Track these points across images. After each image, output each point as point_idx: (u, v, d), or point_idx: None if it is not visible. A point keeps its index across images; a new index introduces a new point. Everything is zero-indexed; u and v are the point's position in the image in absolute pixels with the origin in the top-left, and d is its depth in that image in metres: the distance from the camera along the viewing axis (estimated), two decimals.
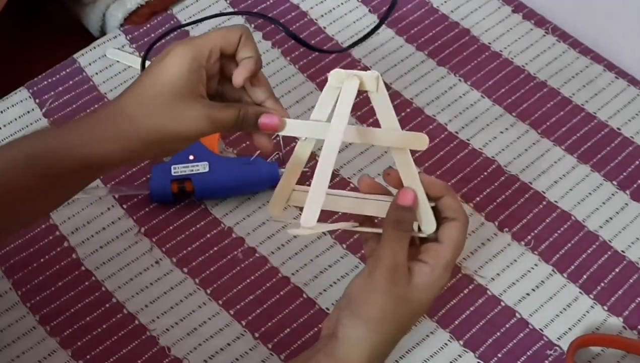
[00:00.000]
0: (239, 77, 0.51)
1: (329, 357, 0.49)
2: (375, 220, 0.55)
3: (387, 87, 0.75)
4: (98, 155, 0.49)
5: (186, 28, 0.79)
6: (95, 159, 0.49)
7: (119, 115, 0.49)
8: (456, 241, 0.50)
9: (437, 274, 0.49)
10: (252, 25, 0.80)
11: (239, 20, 0.80)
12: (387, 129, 0.52)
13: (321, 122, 0.52)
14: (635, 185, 0.69)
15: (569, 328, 0.62)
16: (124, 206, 0.68)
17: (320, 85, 0.64)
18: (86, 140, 0.49)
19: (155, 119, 0.49)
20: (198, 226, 0.67)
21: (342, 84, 0.52)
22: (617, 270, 0.64)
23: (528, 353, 0.60)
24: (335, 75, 0.52)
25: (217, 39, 0.51)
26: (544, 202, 0.68)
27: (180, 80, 0.49)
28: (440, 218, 0.52)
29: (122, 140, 0.49)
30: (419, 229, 0.52)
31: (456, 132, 0.73)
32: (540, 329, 0.61)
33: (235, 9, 0.81)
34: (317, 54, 0.77)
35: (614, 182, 0.69)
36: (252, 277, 0.64)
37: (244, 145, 0.71)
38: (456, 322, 0.62)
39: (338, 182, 0.69)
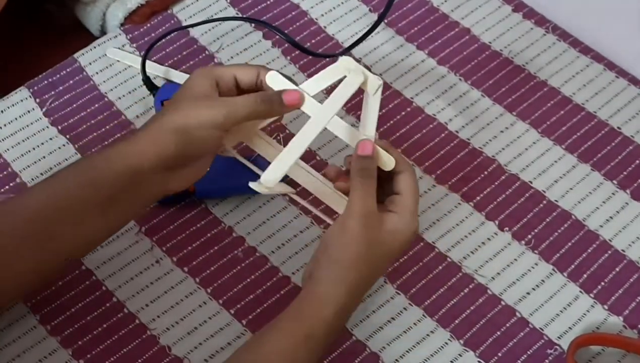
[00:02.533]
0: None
1: (308, 295, 0.53)
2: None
3: (387, 86, 0.75)
4: (134, 157, 0.53)
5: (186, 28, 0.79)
6: (132, 161, 0.53)
7: (148, 121, 0.55)
8: (412, 189, 0.55)
9: (406, 220, 0.54)
10: (252, 25, 0.80)
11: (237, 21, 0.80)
12: (363, 134, 0.55)
13: (314, 100, 0.55)
14: (635, 185, 0.69)
15: (569, 328, 0.62)
16: None
17: None
18: (121, 148, 0.54)
19: (178, 112, 0.54)
20: (198, 225, 0.67)
21: (348, 73, 0.55)
22: (617, 269, 0.64)
23: (528, 353, 0.60)
24: (344, 63, 0.55)
25: (233, 71, 0.57)
26: (544, 201, 0.68)
27: (199, 91, 0.55)
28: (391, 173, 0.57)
29: (150, 136, 0.53)
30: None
31: (456, 131, 0.73)
32: (541, 328, 0.61)
33: (236, 9, 0.81)
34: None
35: (614, 181, 0.69)
36: (253, 277, 0.64)
37: (244, 144, 0.71)
38: (456, 322, 0.62)
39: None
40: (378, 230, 0.53)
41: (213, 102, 0.54)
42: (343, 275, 0.53)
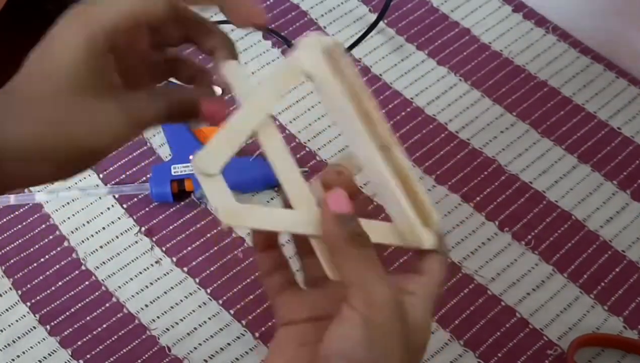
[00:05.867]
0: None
1: None
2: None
3: (387, 86, 0.75)
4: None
5: None
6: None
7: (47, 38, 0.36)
8: (439, 273, 0.38)
9: (429, 309, 0.37)
10: None
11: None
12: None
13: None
14: (635, 185, 0.69)
15: (569, 328, 0.61)
16: (124, 206, 0.68)
17: None
18: None
19: (51, 125, 0.33)
20: (198, 225, 0.67)
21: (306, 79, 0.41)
22: (617, 269, 0.64)
23: (528, 353, 0.60)
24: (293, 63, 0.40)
25: (126, 5, 0.36)
26: (544, 202, 0.68)
27: (77, 71, 0.34)
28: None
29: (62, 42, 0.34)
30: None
31: (456, 132, 0.73)
32: (541, 329, 0.61)
33: None
34: None
35: (614, 182, 0.69)
36: (253, 277, 0.64)
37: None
38: (456, 322, 0.62)
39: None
40: (405, 323, 0.35)
41: (105, 105, 0.35)
42: None
